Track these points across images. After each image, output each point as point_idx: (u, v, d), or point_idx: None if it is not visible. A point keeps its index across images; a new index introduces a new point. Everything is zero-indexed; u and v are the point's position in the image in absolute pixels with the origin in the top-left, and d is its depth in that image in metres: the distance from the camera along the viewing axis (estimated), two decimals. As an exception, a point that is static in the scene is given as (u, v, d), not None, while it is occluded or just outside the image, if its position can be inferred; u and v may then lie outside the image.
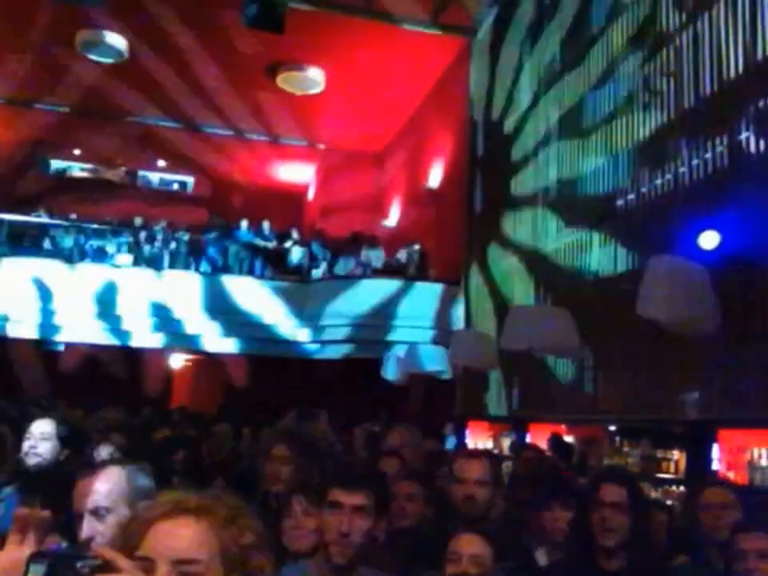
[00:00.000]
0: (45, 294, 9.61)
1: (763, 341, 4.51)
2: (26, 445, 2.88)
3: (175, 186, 16.10)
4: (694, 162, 5.26)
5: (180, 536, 1.04)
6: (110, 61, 10.48)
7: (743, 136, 4.86)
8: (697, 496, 2.72)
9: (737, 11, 5.02)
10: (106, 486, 1.61)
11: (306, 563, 1.96)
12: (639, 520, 2.16)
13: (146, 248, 10.70)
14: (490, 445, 7.76)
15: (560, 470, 4.74)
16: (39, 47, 10.45)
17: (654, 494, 5.15)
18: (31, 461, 2.84)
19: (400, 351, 8.19)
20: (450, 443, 7.37)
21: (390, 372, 8.21)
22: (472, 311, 8.69)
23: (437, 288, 9.63)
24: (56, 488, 2.05)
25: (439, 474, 3.72)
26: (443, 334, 8.68)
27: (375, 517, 1.87)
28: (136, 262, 10.44)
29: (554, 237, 7.11)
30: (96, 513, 1.59)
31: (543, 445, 5.53)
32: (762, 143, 4.70)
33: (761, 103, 4.74)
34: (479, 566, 1.94)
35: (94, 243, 10.48)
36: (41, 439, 2.86)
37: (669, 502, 4.60)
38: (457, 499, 2.44)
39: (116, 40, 10.18)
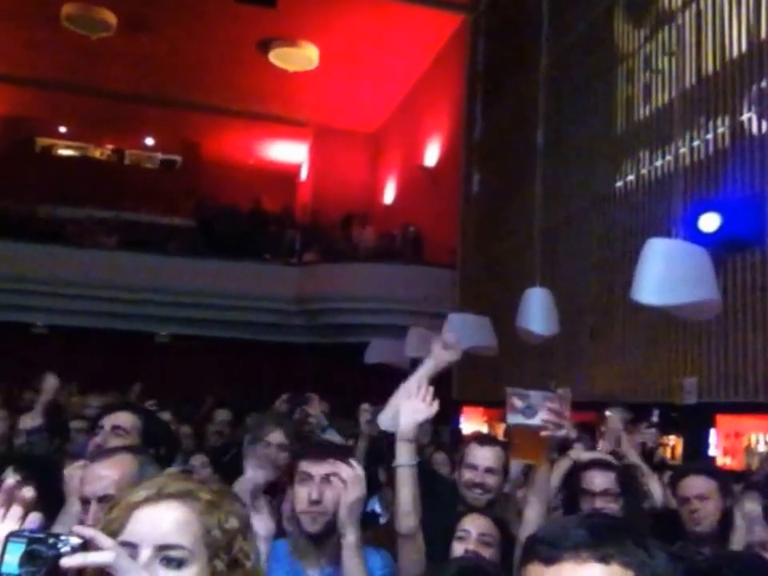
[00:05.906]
0: (27, 275, 9.43)
1: (762, 325, 4.46)
2: (17, 442, 2.87)
3: (163, 165, 15.76)
4: (695, 142, 5.16)
5: (163, 521, 1.03)
6: (96, 35, 10.20)
7: (745, 116, 4.76)
8: (676, 485, 2.50)
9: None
10: (118, 474, 1.55)
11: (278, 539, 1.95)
12: (630, 503, 2.26)
13: None
14: (485, 430, 7.72)
15: None
16: (23, 21, 10.17)
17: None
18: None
19: (394, 336, 8.08)
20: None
21: (383, 356, 8.10)
22: (468, 294, 8.60)
23: (431, 271, 9.53)
24: (49, 475, 2.02)
25: (434, 462, 3.68)
26: (438, 317, 8.58)
27: None
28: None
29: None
30: (105, 500, 1.53)
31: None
32: (764, 124, 4.61)
33: (763, 83, 4.64)
34: (488, 546, 1.94)
35: None
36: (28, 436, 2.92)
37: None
38: (464, 485, 2.36)
39: (102, 13, 9.92)
